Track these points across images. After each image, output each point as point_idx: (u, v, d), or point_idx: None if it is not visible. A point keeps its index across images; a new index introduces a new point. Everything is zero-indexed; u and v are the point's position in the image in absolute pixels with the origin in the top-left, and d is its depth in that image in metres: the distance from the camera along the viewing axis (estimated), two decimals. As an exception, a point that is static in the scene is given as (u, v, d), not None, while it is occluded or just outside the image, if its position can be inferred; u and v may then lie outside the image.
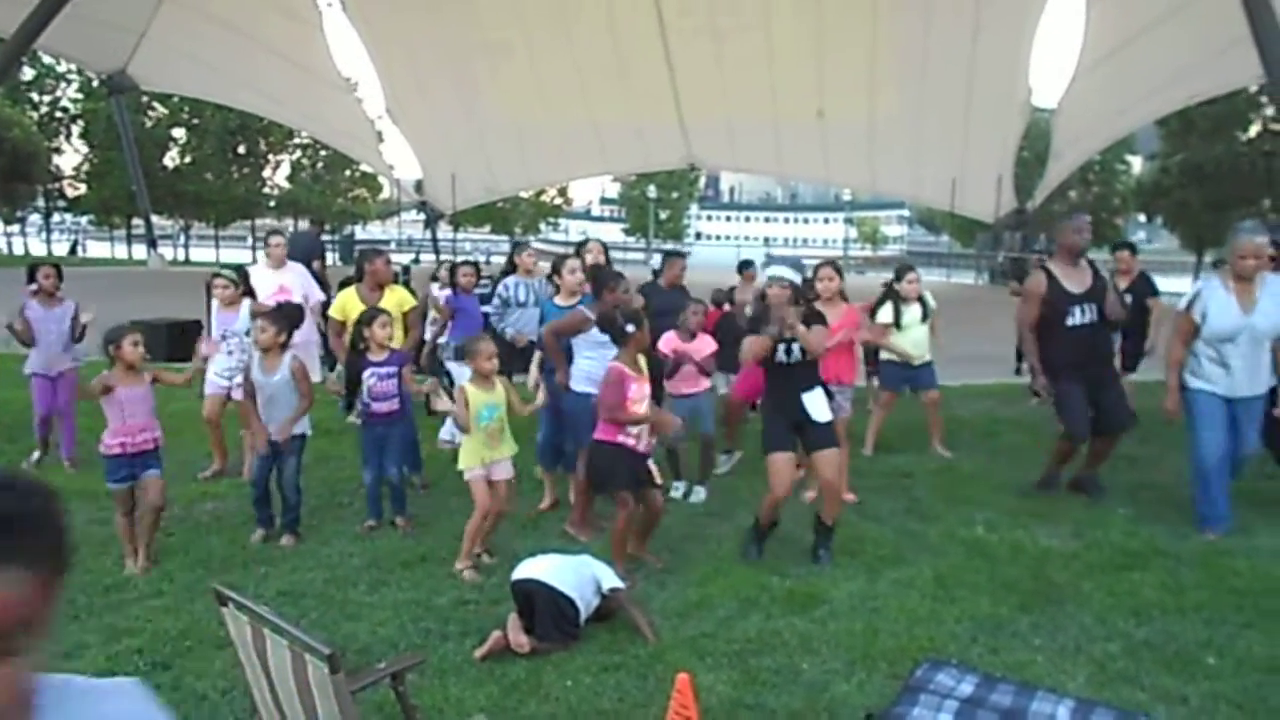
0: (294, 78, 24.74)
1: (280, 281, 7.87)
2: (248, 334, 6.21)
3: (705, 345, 6.41)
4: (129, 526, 4.91)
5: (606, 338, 5.16)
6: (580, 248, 6.51)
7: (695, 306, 6.34)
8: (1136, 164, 38.71)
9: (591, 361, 5.43)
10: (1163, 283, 8.89)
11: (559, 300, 5.97)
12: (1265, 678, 3.71)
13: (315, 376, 8.06)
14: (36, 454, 6.72)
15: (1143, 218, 39.99)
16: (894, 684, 3.65)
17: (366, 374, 5.43)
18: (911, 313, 7.47)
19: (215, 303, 6.80)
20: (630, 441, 4.91)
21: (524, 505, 5.74)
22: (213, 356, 6.73)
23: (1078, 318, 5.98)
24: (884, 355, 7.63)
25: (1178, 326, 5.52)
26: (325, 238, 18.34)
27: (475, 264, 8.01)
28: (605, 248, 6.59)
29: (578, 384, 5.53)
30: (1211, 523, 5.48)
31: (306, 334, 8.05)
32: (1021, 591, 4.57)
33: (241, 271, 7.03)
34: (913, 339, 7.44)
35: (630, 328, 4.95)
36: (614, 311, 5.14)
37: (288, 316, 5.51)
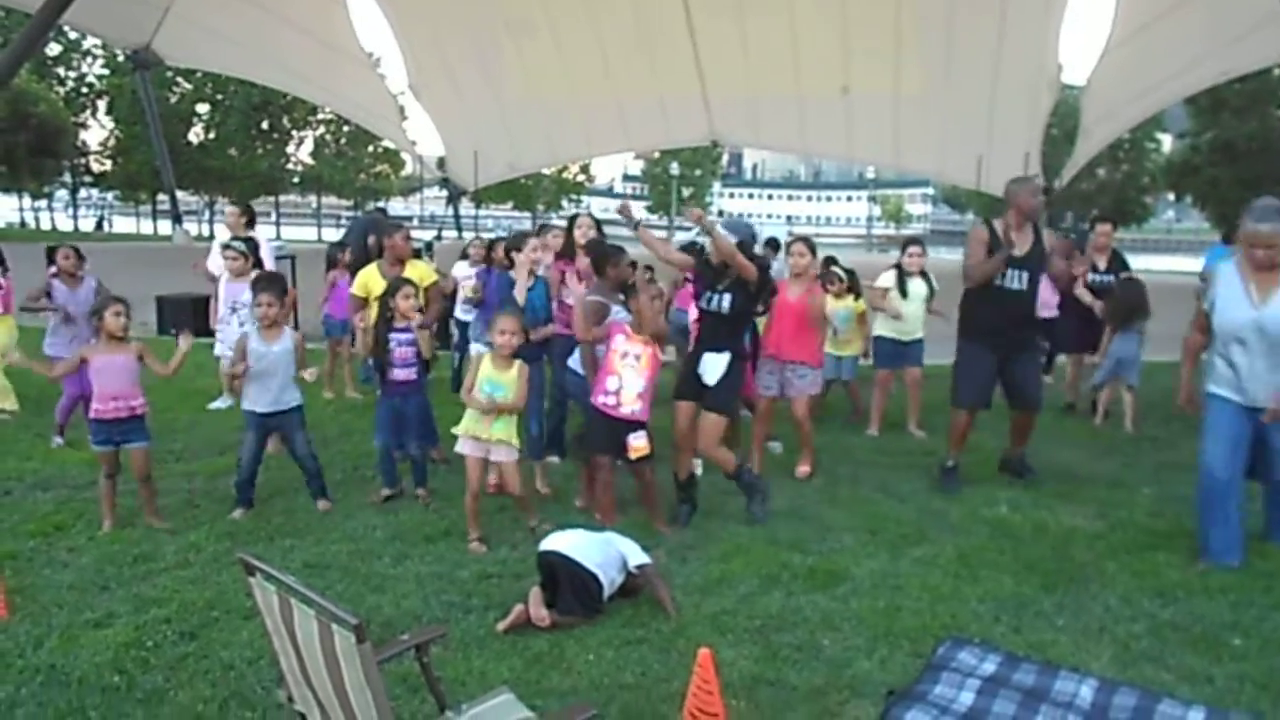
0: (317, 53, 24.74)
1: None
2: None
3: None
4: (109, 489, 5.07)
5: (620, 320, 5.26)
6: (571, 222, 6.49)
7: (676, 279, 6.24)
8: (1166, 142, 38.17)
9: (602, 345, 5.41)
10: (1193, 263, 8.83)
11: (516, 278, 5.68)
12: (1292, 660, 3.68)
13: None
14: (58, 439, 6.70)
15: (1172, 196, 39.44)
16: (916, 662, 3.65)
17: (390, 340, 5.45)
18: (914, 286, 7.44)
19: (224, 275, 6.83)
20: (605, 401, 4.99)
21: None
22: (221, 329, 6.84)
23: (1009, 281, 5.63)
24: (876, 331, 7.59)
25: (1196, 312, 4.88)
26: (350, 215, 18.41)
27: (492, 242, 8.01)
28: (598, 222, 6.50)
29: (582, 367, 5.49)
30: (1212, 553, 4.61)
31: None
32: (1045, 571, 4.54)
33: (251, 243, 7.05)
34: (906, 312, 7.39)
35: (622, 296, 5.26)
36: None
37: (281, 287, 5.54)
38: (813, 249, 6.43)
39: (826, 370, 7.03)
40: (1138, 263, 16.02)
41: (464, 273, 8.44)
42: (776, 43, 23.57)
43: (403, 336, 5.42)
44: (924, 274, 7.52)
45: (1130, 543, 4.96)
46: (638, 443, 4.99)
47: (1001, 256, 5.50)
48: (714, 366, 5.09)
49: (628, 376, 4.99)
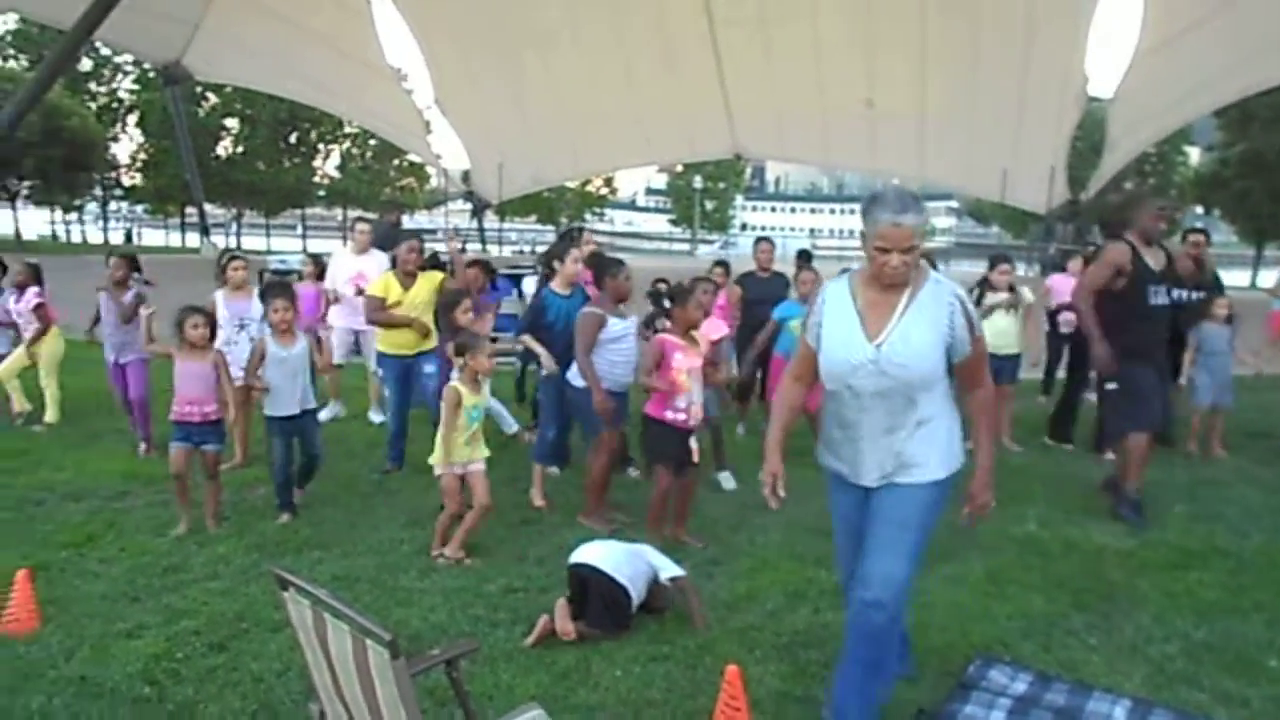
0: (344, 68, 25.02)
1: (360, 267, 8.01)
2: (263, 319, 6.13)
3: (714, 328, 6.31)
4: (181, 488, 5.19)
5: (616, 333, 5.35)
6: (577, 236, 6.55)
7: (705, 286, 6.26)
8: (1194, 155, 37.86)
9: (599, 357, 5.41)
10: (1223, 276, 8.58)
11: (556, 288, 5.99)
12: (1330, 682, 3.62)
13: (372, 364, 8.21)
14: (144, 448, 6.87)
15: (1200, 209, 39.09)
16: (945, 680, 3.61)
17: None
18: (996, 300, 7.40)
19: (224, 288, 6.79)
20: (675, 417, 5.00)
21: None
22: (230, 350, 6.77)
23: (1155, 298, 5.53)
24: None
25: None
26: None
27: (486, 262, 8.03)
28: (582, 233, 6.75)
29: (580, 379, 5.45)
30: None
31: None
32: (1075, 589, 4.50)
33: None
34: (995, 328, 7.35)
35: (668, 304, 5.16)
36: (656, 289, 5.21)
37: (291, 292, 5.70)
38: (815, 272, 6.58)
39: None
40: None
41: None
42: (800, 56, 23.60)
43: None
44: (1012, 289, 7.48)
45: (1162, 561, 4.90)
46: (696, 445, 5.13)
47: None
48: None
49: (694, 390, 5.05)
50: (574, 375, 5.49)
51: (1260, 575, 4.70)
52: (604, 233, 58.80)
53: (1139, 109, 22.43)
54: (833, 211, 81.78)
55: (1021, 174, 24.92)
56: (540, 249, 29.12)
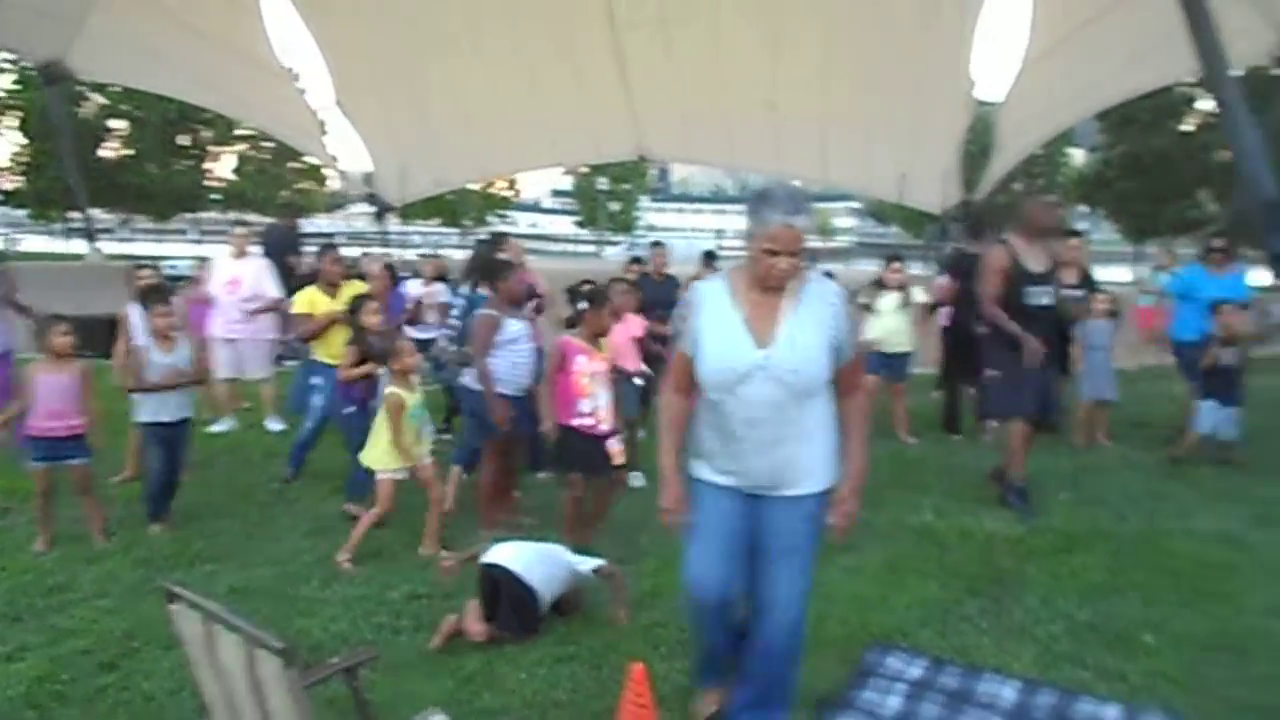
0: (235, 68, 24.14)
1: (235, 272, 7.77)
2: None
3: (635, 326, 6.35)
4: (45, 507, 5.02)
5: (512, 335, 5.33)
6: (496, 240, 6.54)
7: (620, 286, 6.27)
8: (1078, 156, 39.50)
9: (498, 360, 5.36)
10: (1106, 273, 9.03)
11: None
12: (1201, 655, 3.83)
13: (267, 372, 8.02)
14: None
15: (1084, 208, 40.83)
16: (845, 669, 3.71)
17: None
18: (889, 300, 7.59)
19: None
20: (582, 422, 4.99)
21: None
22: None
23: (1035, 299, 5.67)
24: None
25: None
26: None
27: (389, 264, 7.95)
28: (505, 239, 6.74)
29: (478, 383, 5.39)
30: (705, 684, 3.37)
31: (263, 331, 7.94)
32: (969, 576, 4.66)
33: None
34: (886, 326, 7.54)
35: (584, 305, 5.12)
36: (578, 289, 5.20)
37: (171, 294, 5.76)
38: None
39: None
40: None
41: (417, 291, 8.20)
42: (702, 58, 23.67)
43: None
44: (903, 287, 7.67)
45: (1049, 546, 5.12)
46: (618, 447, 5.11)
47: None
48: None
49: (599, 394, 5.03)
50: (470, 379, 5.45)
51: (1138, 556, 4.94)
52: (509, 235, 58.42)
53: (1026, 112, 23.20)
54: (738, 212, 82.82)
55: (918, 176, 25.45)
56: (443, 252, 28.83)
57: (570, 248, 61.65)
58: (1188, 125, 31.19)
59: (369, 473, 5.16)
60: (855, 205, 69.77)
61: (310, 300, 6.31)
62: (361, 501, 5.35)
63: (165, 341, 5.29)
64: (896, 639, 3.97)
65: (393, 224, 34.35)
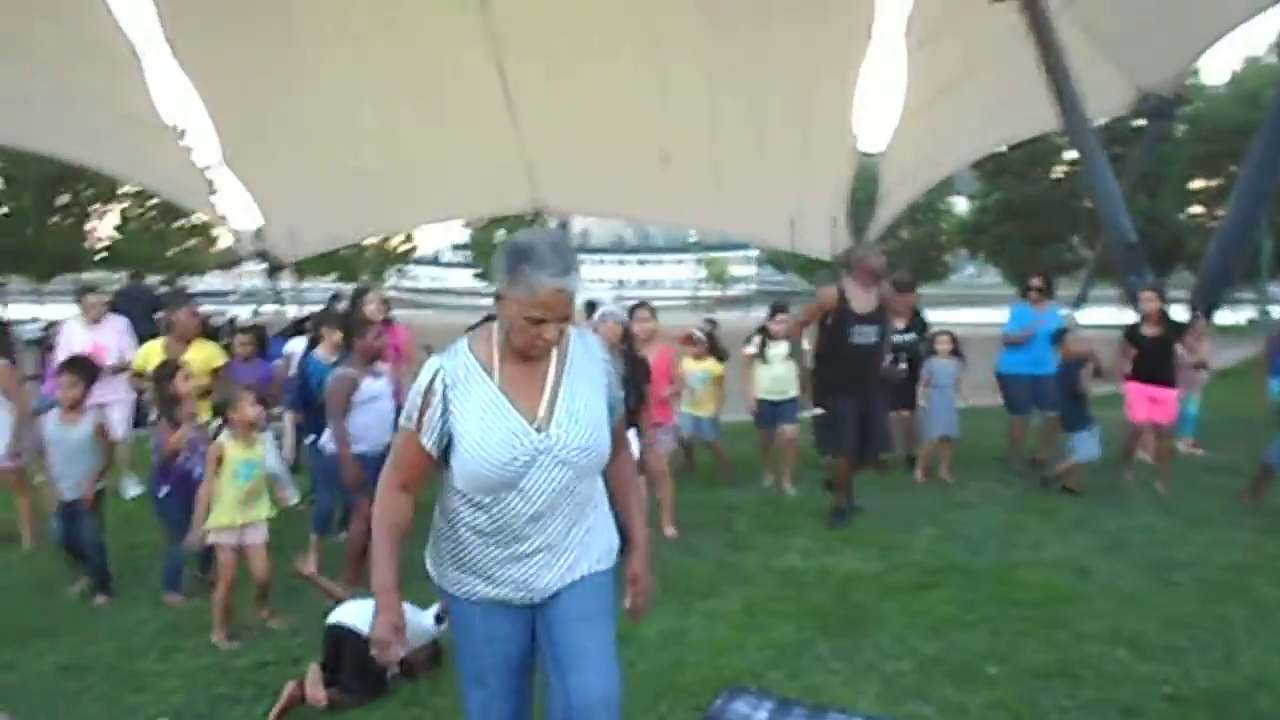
0: (116, 125, 23.60)
1: (94, 338, 7.50)
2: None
3: None
4: None
5: (369, 395, 5.31)
6: (358, 298, 6.48)
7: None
8: (961, 204, 41.17)
9: (353, 420, 5.29)
10: (992, 314, 9.43)
11: (320, 354, 6.02)
12: (1038, 683, 3.94)
13: (122, 433, 7.71)
14: None
15: (965, 253, 42.50)
16: (696, 716, 3.70)
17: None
18: (778, 349, 7.71)
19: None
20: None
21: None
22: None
23: (858, 337, 6.28)
24: (758, 394, 7.81)
25: None
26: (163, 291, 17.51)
27: (257, 328, 7.79)
28: (386, 301, 6.80)
29: (333, 443, 5.32)
30: None
31: (121, 392, 7.66)
32: (825, 615, 4.72)
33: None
34: (774, 374, 7.66)
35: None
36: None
37: (87, 369, 5.42)
38: (654, 313, 6.76)
39: (684, 428, 7.56)
40: (943, 316, 17.35)
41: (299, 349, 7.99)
42: (594, 112, 24.15)
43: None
44: (789, 338, 7.79)
45: (906, 582, 5.22)
46: None
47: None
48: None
49: None
50: (326, 440, 5.35)
51: (990, 590, 5.07)
52: (409, 289, 57.74)
53: (907, 163, 24.28)
54: (640, 263, 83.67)
55: (808, 223, 26.27)
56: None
57: (470, 300, 61.39)
58: (1058, 173, 32.88)
59: (187, 561, 5.06)
60: (752, 253, 71.17)
61: (146, 355, 6.09)
62: (178, 591, 5.14)
63: (67, 413, 5.20)
64: (748, 682, 3.98)
65: (286, 281, 33.77)
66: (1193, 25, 17.81)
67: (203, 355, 6.23)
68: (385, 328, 6.26)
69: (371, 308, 6.24)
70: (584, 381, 2.44)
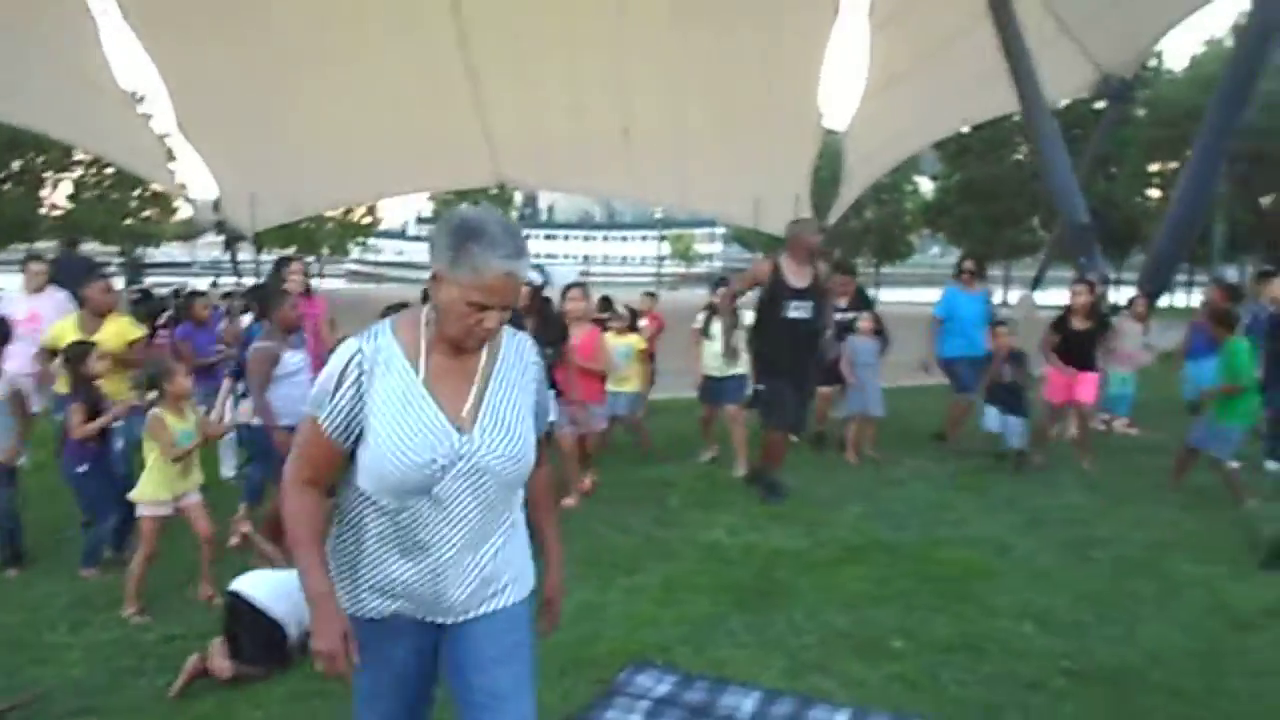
0: (71, 91, 23.14)
1: (33, 307, 7.37)
2: None
3: None
4: None
5: (292, 366, 5.27)
6: (280, 269, 6.40)
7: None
8: (925, 184, 41.38)
9: (278, 393, 5.25)
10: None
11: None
12: (941, 657, 3.99)
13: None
14: None
15: (929, 233, 42.78)
16: (600, 690, 3.71)
17: None
18: (719, 325, 7.69)
19: None
20: None
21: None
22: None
23: (793, 311, 6.35)
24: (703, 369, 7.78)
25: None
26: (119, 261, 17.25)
27: (202, 292, 7.71)
28: (306, 271, 6.74)
29: (257, 417, 5.30)
30: None
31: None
32: (742, 590, 4.75)
33: None
34: (718, 350, 7.63)
35: None
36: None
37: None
38: (586, 294, 6.79)
39: (611, 406, 7.43)
40: (904, 295, 17.39)
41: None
42: (558, 87, 24.00)
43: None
44: (734, 312, 7.77)
45: (828, 558, 5.27)
46: None
47: None
48: None
49: None
50: (249, 413, 5.30)
51: (908, 566, 5.13)
52: (372, 262, 57.15)
53: (870, 142, 24.35)
54: (605, 239, 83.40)
55: (771, 202, 26.31)
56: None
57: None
58: (1019, 154, 33.11)
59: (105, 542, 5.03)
60: (719, 231, 71.15)
61: (57, 334, 5.95)
62: (97, 567, 5.09)
63: None
64: (658, 656, 4.01)
65: (245, 253, 33.34)
66: (1153, 8, 17.96)
67: (114, 330, 6.09)
68: (303, 299, 6.17)
69: (294, 280, 6.13)
70: (513, 384, 2.19)
